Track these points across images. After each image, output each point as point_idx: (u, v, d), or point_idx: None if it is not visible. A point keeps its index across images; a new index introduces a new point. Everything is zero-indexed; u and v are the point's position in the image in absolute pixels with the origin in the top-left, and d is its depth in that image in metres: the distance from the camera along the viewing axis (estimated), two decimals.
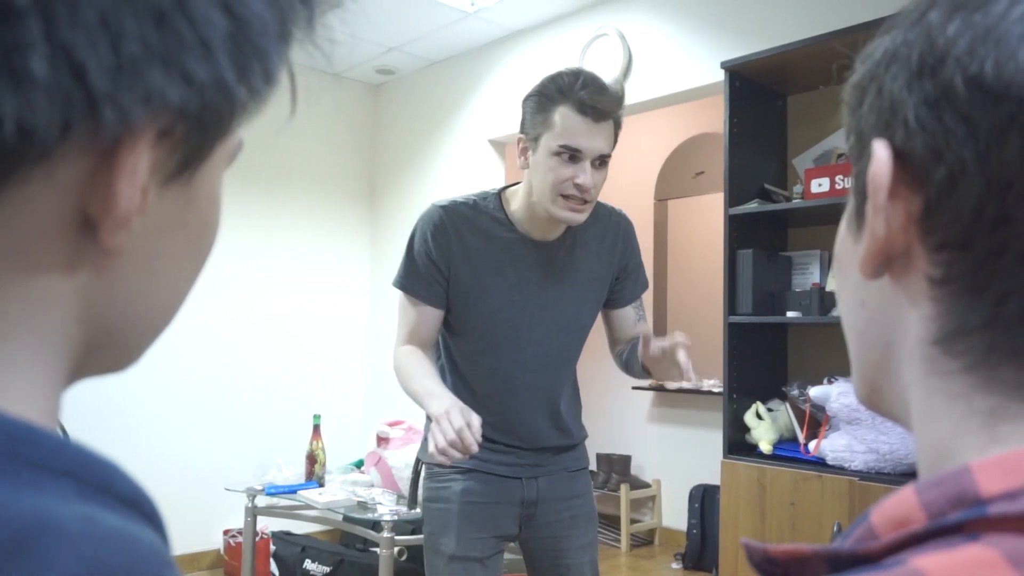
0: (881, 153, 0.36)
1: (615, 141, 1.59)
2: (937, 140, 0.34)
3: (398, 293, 1.70)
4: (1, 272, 0.27)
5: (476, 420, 1.42)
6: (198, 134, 0.29)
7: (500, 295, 1.64)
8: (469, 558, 1.62)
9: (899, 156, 0.36)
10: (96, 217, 0.28)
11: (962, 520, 0.30)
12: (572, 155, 1.53)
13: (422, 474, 1.77)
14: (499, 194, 1.69)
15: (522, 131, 1.61)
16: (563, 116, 1.52)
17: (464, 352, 1.70)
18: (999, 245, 0.33)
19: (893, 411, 0.42)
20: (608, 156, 1.57)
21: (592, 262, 1.71)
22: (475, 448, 1.39)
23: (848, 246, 0.43)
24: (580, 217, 1.58)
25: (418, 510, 2.51)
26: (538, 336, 1.67)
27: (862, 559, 0.33)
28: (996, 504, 0.30)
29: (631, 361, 1.71)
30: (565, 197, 1.55)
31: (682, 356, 1.49)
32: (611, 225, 1.75)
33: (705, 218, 4.86)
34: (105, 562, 0.24)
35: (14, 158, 0.25)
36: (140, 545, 0.25)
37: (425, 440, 1.76)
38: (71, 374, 0.32)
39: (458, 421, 1.39)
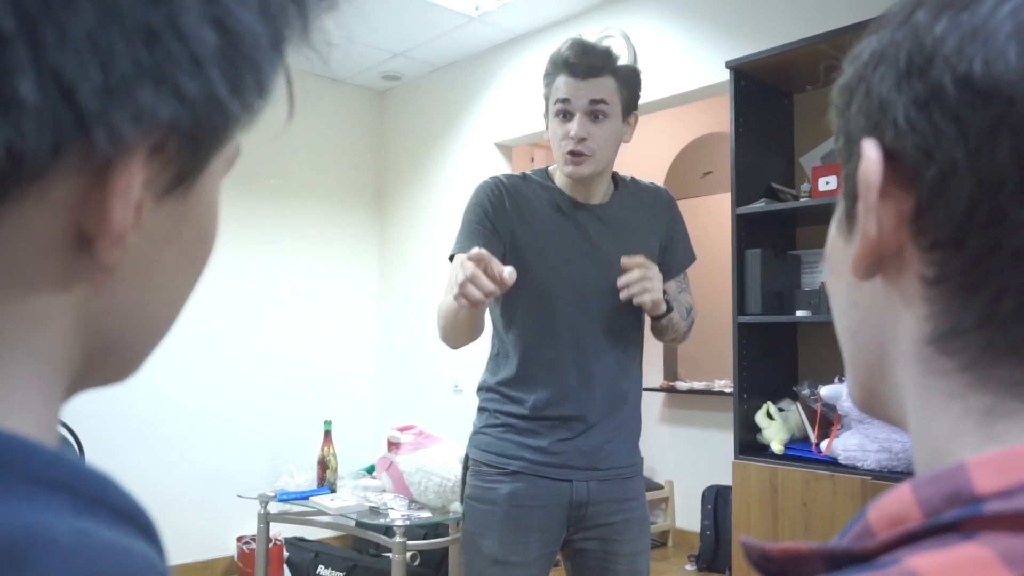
0: (871, 153, 0.36)
1: (624, 93, 1.68)
2: (927, 140, 0.34)
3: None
4: None
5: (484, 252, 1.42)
6: (191, 148, 0.29)
7: (559, 251, 1.68)
8: (511, 563, 1.62)
9: (889, 156, 0.36)
10: (91, 234, 0.28)
11: (957, 518, 0.30)
12: (565, 112, 1.65)
13: (470, 470, 1.74)
14: (545, 169, 1.79)
15: (545, 115, 1.72)
16: (558, 81, 1.66)
17: (524, 318, 1.68)
18: (993, 243, 0.33)
19: (889, 412, 0.42)
20: (603, 103, 1.65)
21: (642, 228, 1.77)
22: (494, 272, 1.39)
23: (839, 247, 0.43)
24: (581, 170, 1.66)
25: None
26: (600, 290, 1.68)
27: (858, 557, 0.32)
28: (991, 502, 0.30)
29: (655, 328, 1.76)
30: (570, 154, 1.65)
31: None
32: (657, 196, 1.83)
33: (714, 218, 4.84)
34: (98, 575, 0.24)
35: (6, 181, 0.25)
36: (134, 558, 0.25)
37: (473, 435, 1.75)
38: (70, 387, 0.32)
39: (469, 267, 1.40)
